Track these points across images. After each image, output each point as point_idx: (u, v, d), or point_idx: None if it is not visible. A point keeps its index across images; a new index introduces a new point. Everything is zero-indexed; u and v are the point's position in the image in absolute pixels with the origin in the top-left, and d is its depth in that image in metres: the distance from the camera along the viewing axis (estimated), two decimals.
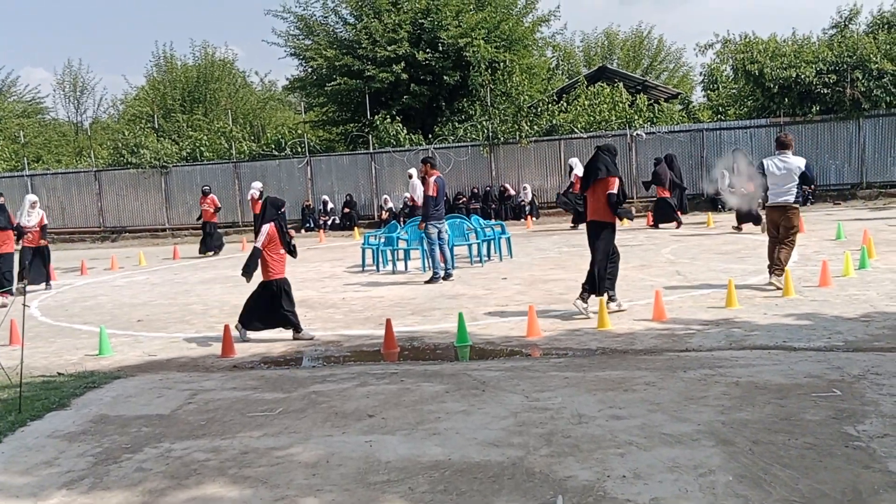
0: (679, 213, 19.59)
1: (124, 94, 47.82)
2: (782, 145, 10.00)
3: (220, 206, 20.68)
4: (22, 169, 30.11)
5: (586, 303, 8.93)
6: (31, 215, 14.17)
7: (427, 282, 12.33)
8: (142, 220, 28.03)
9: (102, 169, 28.83)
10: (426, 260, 14.05)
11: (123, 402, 6.31)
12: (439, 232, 12.47)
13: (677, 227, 18.69)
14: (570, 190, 21.04)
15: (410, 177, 22.57)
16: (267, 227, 8.61)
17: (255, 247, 8.68)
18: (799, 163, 9.80)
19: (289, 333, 8.83)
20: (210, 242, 20.15)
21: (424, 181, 12.57)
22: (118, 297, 13.15)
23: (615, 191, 8.83)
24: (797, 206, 9.99)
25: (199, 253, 20.03)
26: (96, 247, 26.37)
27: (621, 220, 8.92)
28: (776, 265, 9.82)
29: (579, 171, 20.45)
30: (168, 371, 7.54)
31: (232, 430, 5.38)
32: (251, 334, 8.86)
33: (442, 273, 12.39)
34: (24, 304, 6.51)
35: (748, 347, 7.00)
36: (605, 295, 8.91)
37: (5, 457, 5.12)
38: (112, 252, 21.49)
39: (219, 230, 21.21)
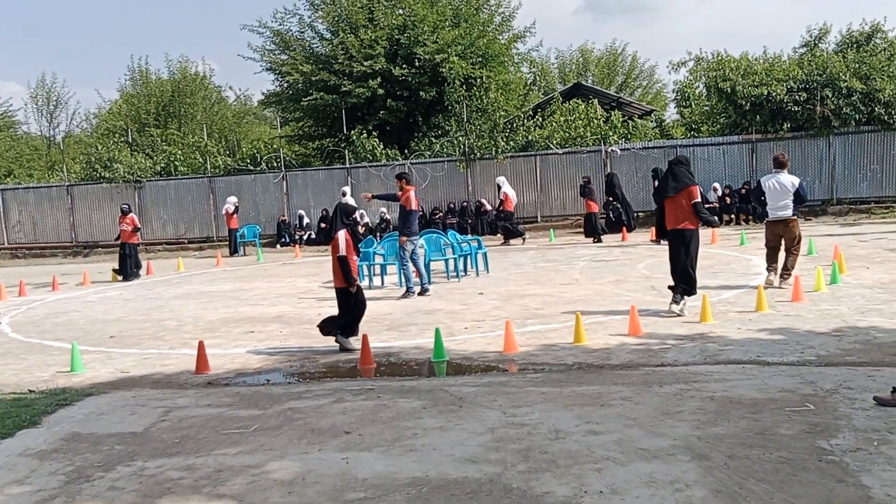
0: (624, 228, 20.91)
1: (98, 108, 47.37)
2: (779, 164, 11.23)
3: (139, 226, 18.76)
4: None
5: (680, 304, 9.55)
6: None
7: (401, 297, 12.32)
8: (115, 234, 27.65)
9: (75, 183, 28.54)
10: (403, 275, 14.04)
11: (96, 419, 6.22)
12: (414, 247, 12.48)
13: (594, 242, 19.73)
14: (502, 208, 21.43)
15: (344, 195, 22.09)
16: (343, 234, 8.72)
17: (340, 256, 8.66)
18: (792, 180, 11.03)
19: (260, 348, 8.77)
20: (127, 267, 17.84)
21: (400, 196, 12.61)
22: (90, 312, 12.98)
23: (699, 199, 9.72)
24: (795, 217, 11.12)
25: (113, 277, 18.02)
26: (68, 262, 26.03)
27: (708, 226, 10.21)
28: (784, 271, 11.00)
29: (507, 189, 21.05)
30: (141, 388, 7.45)
31: (206, 447, 5.32)
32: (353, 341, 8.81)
33: (417, 289, 12.38)
34: None
35: (723, 362, 7.06)
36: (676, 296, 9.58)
37: None
38: (84, 267, 21.21)
39: (138, 253, 18.88)
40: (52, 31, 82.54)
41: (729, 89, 23.60)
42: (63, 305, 14.10)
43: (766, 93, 23.00)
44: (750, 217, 22.28)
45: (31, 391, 7.46)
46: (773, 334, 8.09)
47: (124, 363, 8.76)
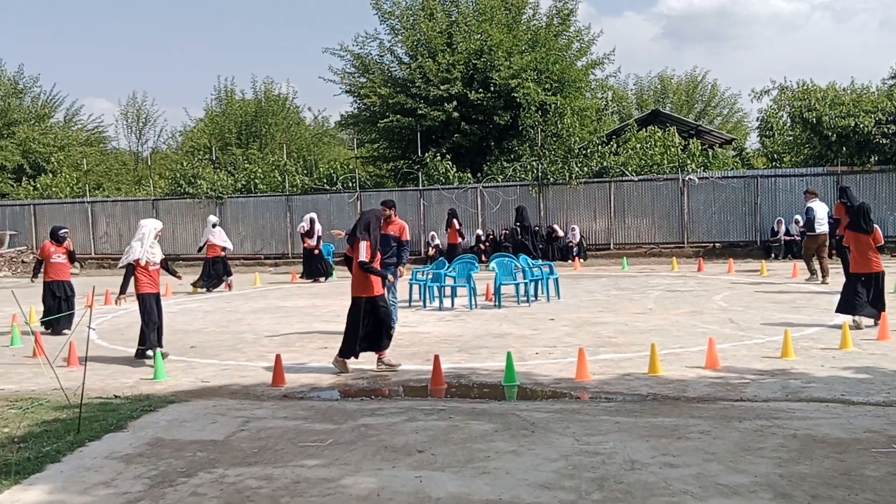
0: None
1: (183, 125, 49.16)
2: (814, 194, 16.11)
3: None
4: (83, 196, 31.05)
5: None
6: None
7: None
8: (195, 248, 28.56)
9: (160, 198, 29.57)
10: (473, 298, 14.04)
11: (178, 426, 6.42)
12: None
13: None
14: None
15: (214, 225, 19.39)
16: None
17: (361, 261, 8.65)
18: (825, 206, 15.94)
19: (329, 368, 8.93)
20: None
21: (384, 227, 11.11)
22: (172, 323, 13.33)
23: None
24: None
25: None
26: None
27: None
28: (825, 273, 15.45)
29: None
30: (220, 398, 7.66)
31: (284, 458, 5.44)
32: None
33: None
34: (89, 327, 6.70)
35: (805, 399, 6.86)
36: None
37: (64, 476, 5.24)
38: (166, 279, 21.82)
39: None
40: (142, 50, 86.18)
41: (814, 119, 22.98)
42: None
43: (853, 124, 22.31)
44: (833, 252, 21.56)
45: (116, 396, 7.75)
46: (858, 373, 7.82)
47: (204, 373, 9.02)
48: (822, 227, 15.58)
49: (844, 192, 12.29)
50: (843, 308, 10.48)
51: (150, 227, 10.09)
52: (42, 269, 12.63)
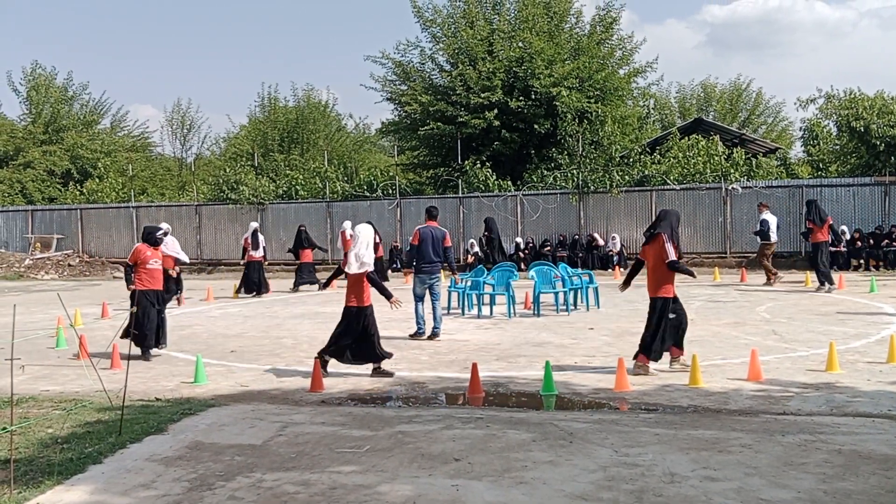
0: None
1: (227, 132, 49.95)
2: (766, 206, 18.52)
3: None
4: (128, 200, 31.66)
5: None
6: None
7: (412, 336, 11.65)
8: (237, 253, 28.89)
9: (203, 203, 30.03)
10: (511, 306, 14.02)
11: (217, 430, 6.49)
12: (431, 287, 11.65)
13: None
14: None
15: (165, 234, 15.54)
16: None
17: (672, 260, 9.01)
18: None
19: (368, 369, 8.95)
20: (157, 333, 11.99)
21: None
22: (213, 327, 13.57)
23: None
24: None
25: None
26: (193, 278, 27.27)
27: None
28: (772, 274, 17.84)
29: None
30: (259, 402, 7.72)
31: (321, 464, 5.46)
32: None
33: (425, 330, 11.61)
34: (132, 331, 6.81)
35: (851, 414, 6.69)
36: None
37: (105, 477, 5.32)
38: (208, 283, 22.19)
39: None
40: (187, 58, 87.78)
41: (862, 128, 22.54)
42: (188, 319, 14.79)
43: None
44: (881, 263, 21.09)
45: (157, 399, 7.86)
46: None
47: (244, 377, 9.11)
48: (774, 235, 17.92)
49: (813, 206, 16.55)
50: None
51: (369, 233, 9.24)
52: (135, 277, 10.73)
